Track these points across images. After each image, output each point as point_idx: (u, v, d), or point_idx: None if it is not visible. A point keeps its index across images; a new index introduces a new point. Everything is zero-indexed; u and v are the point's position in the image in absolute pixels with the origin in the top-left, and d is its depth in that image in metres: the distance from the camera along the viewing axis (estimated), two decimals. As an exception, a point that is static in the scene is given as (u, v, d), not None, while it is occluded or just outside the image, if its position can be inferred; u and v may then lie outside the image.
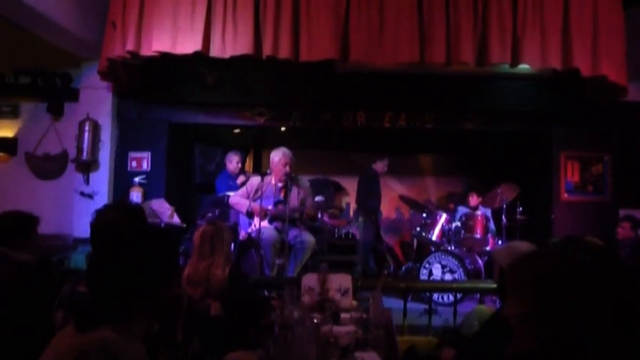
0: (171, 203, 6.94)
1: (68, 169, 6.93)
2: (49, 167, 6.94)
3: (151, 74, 6.74)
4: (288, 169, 5.75)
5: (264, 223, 5.71)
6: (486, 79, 6.86)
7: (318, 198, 8.60)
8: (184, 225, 5.97)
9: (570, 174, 7.00)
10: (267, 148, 9.11)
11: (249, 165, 8.91)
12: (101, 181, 6.80)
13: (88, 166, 6.74)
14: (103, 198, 6.76)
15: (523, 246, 3.20)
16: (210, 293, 3.58)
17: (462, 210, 7.34)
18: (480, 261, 6.68)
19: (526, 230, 6.83)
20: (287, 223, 5.58)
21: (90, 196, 6.71)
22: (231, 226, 6.08)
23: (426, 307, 5.11)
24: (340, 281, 4.19)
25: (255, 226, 5.71)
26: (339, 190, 8.95)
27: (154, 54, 5.70)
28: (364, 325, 3.54)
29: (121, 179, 6.92)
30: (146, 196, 6.87)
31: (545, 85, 6.85)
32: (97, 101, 6.80)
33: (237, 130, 7.59)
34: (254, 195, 5.79)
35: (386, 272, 5.30)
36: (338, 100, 6.98)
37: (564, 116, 6.94)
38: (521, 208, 6.74)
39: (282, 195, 5.78)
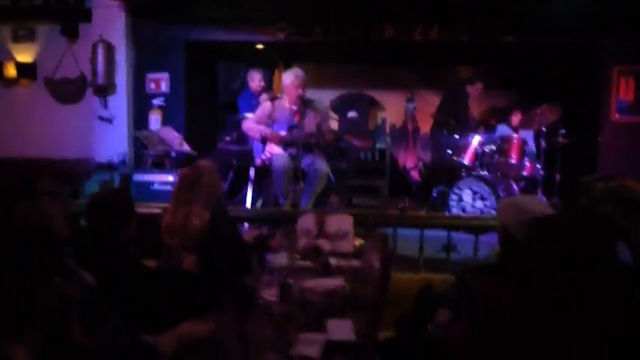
0: (192, 125, 6.77)
1: (87, 93, 6.76)
2: (68, 91, 6.79)
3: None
4: (301, 91, 5.37)
5: (278, 150, 5.42)
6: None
7: (351, 113, 8.29)
8: (195, 153, 5.75)
9: (624, 91, 6.29)
10: (299, 63, 8.68)
11: (277, 82, 8.50)
12: (119, 105, 6.63)
13: (104, 90, 6.56)
14: (122, 122, 6.63)
15: (531, 204, 2.79)
16: (188, 244, 3.37)
17: (501, 129, 6.78)
18: (515, 187, 6.20)
19: (569, 154, 6.26)
20: (301, 149, 5.29)
21: (109, 121, 6.58)
22: (246, 152, 5.82)
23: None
24: (339, 223, 3.91)
25: (268, 152, 5.44)
26: (374, 105, 8.48)
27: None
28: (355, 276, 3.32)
29: (140, 102, 6.73)
30: (166, 119, 6.69)
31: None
32: (110, 21, 6.51)
33: (260, 46, 7.15)
34: (267, 120, 5.48)
35: (400, 206, 4.98)
36: (363, 12, 6.37)
37: (618, 25, 6.12)
38: (564, 130, 6.14)
39: (296, 119, 5.43)
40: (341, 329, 2.59)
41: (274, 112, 5.47)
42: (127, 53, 6.59)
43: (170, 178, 6.12)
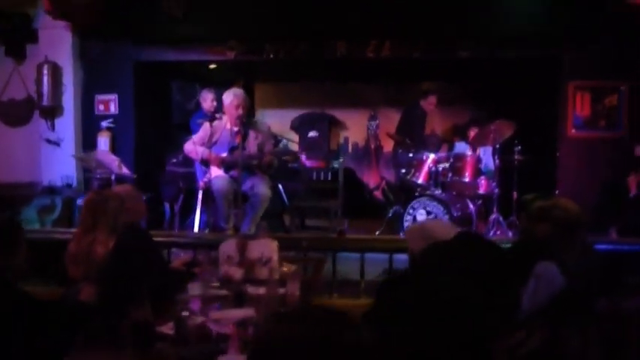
0: (143, 147, 6.62)
1: (35, 115, 6.60)
2: (15, 113, 6.63)
3: (114, 10, 6.19)
4: (240, 111, 5.22)
5: (219, 172, 5.26)
6: (482, -2, 5.98)
7: (311, 133, 8.15)
8: (134, 175, 5.58)
9: (580, 107, 6.15)
10: (261, 81, 8.58)
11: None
12: (67, 127, 6.47)
13: (52, 112, 6.41)
14: (69, 144, 6.46)
15: (436, 229, 2.64)
16: (91, 274, 3.19)
17: (459, 146, 6.64)
18: (471, 206, 6.04)
19: (526, 172, 6.10)
20: (242, 171, 5.12)
21: (56, 143, 6.41)
22: (191, 174, 5.67)
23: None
24: (261, 249, 3.74)
25: (209, 175, 5.28)
26: (335, 124, 8.34)
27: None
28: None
29: (89, 124, 6.57)
30: (115, 141, 6.53)
31: (551, 2, 5.90)
32: (57, 42, 6.38)
33: (212, 66, 7.03)
34: (209, 141, 5.32)
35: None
36: (314, 29, 6.24)
37: (574, 39, 6.01)
38: (519, 147, 5.99)
39: (237, 140, 5.27)
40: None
41: (215, 133, 5.32)
42: (75, 74, 6.45)
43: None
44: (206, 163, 5.29)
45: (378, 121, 8.16)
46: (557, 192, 6.22)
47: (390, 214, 6.40)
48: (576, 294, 3.23)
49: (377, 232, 6.28)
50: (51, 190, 5.95)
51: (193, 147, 5.35)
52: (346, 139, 8.49)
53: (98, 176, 5.89)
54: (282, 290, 3.33)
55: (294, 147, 7.24)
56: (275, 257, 3.70)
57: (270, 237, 4.01)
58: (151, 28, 6.33)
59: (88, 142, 6.51)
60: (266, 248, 3.71)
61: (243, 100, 5.25)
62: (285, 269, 4.03)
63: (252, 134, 5.31)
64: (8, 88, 6.64)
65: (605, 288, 4.19)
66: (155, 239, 4.59)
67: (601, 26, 5.83)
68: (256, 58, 6.47)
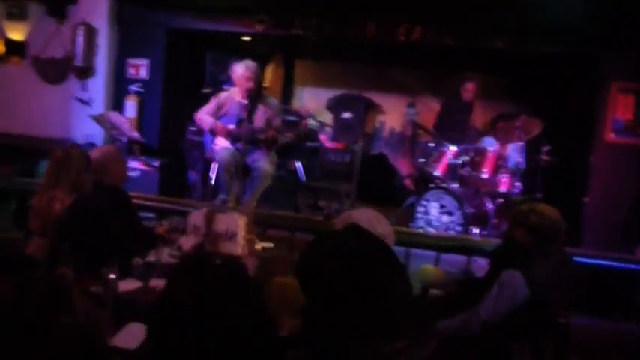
0: (170, 113, 6.69)
1: (70, 74, 6.81)
2: (54, 71, 6.84)
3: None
4: (251, 84, 5.15)
5: (224, 143, 5.23)
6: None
7: (345, 114, 7.98)
8: (144, 140, 5.65)
9: (622, 110, 5.68)
10: (301, 57, 8.48)
11: (273, 76, 8.31)
12: (98, 88, 6.64)
13: (85, 72, 6.59)
14: (99, 105, 6.62)
15: (365, 221, 2.47)
16: (46, 229, 3.24)
17: (486, 141, 6.30)
18: (488, 204, 5.74)
19: (554, 174, 5.73)
20: (245, 144, 5.07)
21: (87, 103, 6.59)
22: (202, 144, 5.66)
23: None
24: (228, 223, 3.68)
25: (215, 146, 5.27)
26: (372, 107, 8.12)
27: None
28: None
29: (119, 86, 6.72)
30: (143, 105, 6.64)
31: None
32: (95, 4, 6.54)
33: (246, 38, 6.98)
34: (218, 111, 5.29)
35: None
36: (344, 7, 6.09)
37: (619, 37, 5.54)
38: (547, 147, 5.61)
39: (245, 113, 5.22)
40: (129, 336, 2.40)
41: (224, 104, 5.28)
42: (110, 37, 6.59)
43: (135, 165, 6.11)
44: (214, 133, 5.26)
45: (416, 109, 7.90)
46: (586, 200, 5.82)
47: (406, 205, 6.20)
48: (538, 308, 3.01)
49: (391, 222, 6.09)
50: (72, 146, 6.11)
51: (204, 116, 5.34)
52: (382, 124, 8.26)
53: (125, 139, 6.01)
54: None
55: (325, 127, 7.14)
56: (240, 232, 3.63)
57: (246, 212, 3.97)
58: (184, -5, 6.38)
59: (117, 104, 6.66)
60: (232, 223, 3.65)
61: (254, 73, 5.17)
62: (257, 247, 3.99)
63: (261, 108, 5.24)
64: (49, 47, 6.86)
65: (580, 304, 3.90)
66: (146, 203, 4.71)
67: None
68: (284, 33, 6.38)
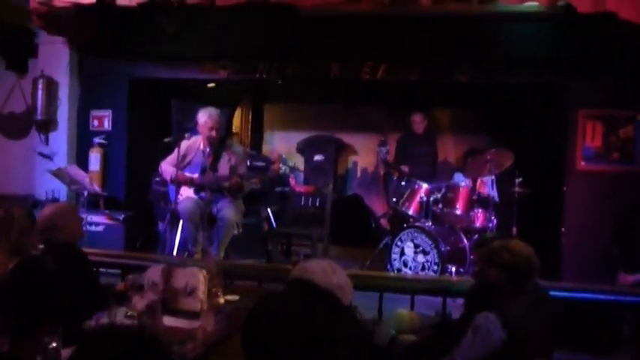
0: (136, 164, 6.53)
1: (33, 128, 6.64)
2: (14, 126, 6.67)
3: (111, 26, 6.20)
4: (214, 133, 5.04)
5: (188, 193, 5.08)
6: (485, 20, 5.58)
7: (317, 157, 7.89)
8: (105, 193, 5.47)
9: (590, 137, 5.64)
10: (270, 100, 8.42)
11: (242, 121, 8.22)
12: (60, 142, 6.47)
13: (46, 126, 6.43)
14: (63, 159, 6.44)
15: (319, 273, 2.30)
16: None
17: (458, 177, 6.21)
18: (464, 241, 5.61)
19: (529, 206, 5.63)
20: (210, 192, 4.94)
21: (49, 157, 6.41)
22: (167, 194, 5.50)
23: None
24: (187, 278, 3.49)
25: (180, 196, 5.10)
26: (342, 147, 8.04)
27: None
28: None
29: (83, 139, 6.56)
30: (107, 157, 6.48)
31: (560, 27, 5.45)
32: (55, 57, 6.42)
33: (211, 85, 6.91)
34: (182, 161, 5.14)
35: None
36: (307, 49, 6.04)
37: (584, 65, 5.54)
38: (519, 179, 5.53)
39: (209, 161, 5.08)
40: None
41: (188, 153, 5.15)
42: (71, 89, 6.46)
43: (99, 219, 5.91)
44: (177, 183, 5.11)
45: (388, 147, 7.82)
46: (562, 229, 5.72)
47: (382, 245, 6.05)
48: (515, 350, 2.85)
49: (367, 263, 5.96)
50: (34, 204, 5.92)
51: (167, 166, 5.19)
52: (355, 164, 8.18)
53: (75, 191, 5.83)
54: (195, 324, 3.10)
55: (297, 171, 7.05)
56: (200, 287, 3.44)
57: (210, 264, 3.79)
58: (145, 45, 6.31)
59: (81, 157, 6.49)
60: (192, 277, 3.46)
61: (217, 121, 5.06)
62: (220, 300, 3.79)
63: (225, 156, 5.11)
64: (9, 102, 6.71)
65: (563, 340, 3.74)
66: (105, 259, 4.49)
67: (615, 52, 5.36)
68: (248, 77, 6.31)
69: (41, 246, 3.58)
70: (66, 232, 3.56)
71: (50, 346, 2.52)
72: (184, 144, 5.19)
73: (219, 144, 5.11)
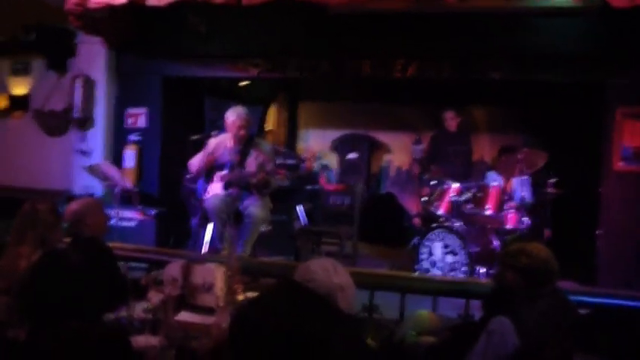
0: (170, 162, 6.64)
1: (71, 125, 6.85)
2: (55, 124, 6.90)
3: (147, 26, 6.35)
4: (242, 132, 5.08)
5: (216, 190, 5.13)
6: (517, 16, 5.47)
7: (350, 155, 7.85)
8: (137, 189, 5.59)
9: (629, 137, 5.43)
10: (305, 98, 8.43)
11: (277, 119, 8.24)
12: (97, 139, 6.65)
13: (84, 123, 6.62)
14: (99, 155, 6.62)
15: (322, 274, 2.29)
16: (14, 288, 3.13)
17: (491, 176, 6.09)
18: (495, 242, 5.50)
19: (563, 207, 5.48)
20: (240, 190, 4.99)
21: (87, 154, 6.60)
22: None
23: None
24: (205, 274, 3.54)
25: (208, 192, 5.18)
26: (376, 146, 7.98)
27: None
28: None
29: (118, 137, 6.71)
30: (142, 154, 6.61)
31: (595, 21, 5.29)
32: (93, 56, 6.61)
33: (243, 83, 6.97)
34: (210, 157, 5.21)
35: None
36: (337, 47, 6.02)
37: (622, 61, 5.35)
38: (554, 179, 5.38)
39: (237, 159, 5.12)
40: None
41: (216, 150, 5.20)
42: (108, 87, 6.62)
43: (132, 214, 6.04)
44: (208, 173, 5.16)
45: (422, 146, 7.73)
46: (598, 232, 5.54)
47: (411, 245, 5.98)
48: (529, 358, 2.76)
49: (396, 263, 5.92)
50: (69, 199, 6.08)
51: (194, 161, 5.27)
52: (389, 163, 8.11)
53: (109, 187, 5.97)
54: (210, 320, 3.15)
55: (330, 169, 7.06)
56: (218, 284, 3.48)
57: (232, 261, 3.82)
58: (178, 44, 6.40)
59: (116, 154, 6.65)
60: (209, 274, 3.51)
61: (245, 120, 5.10)
62: (240, 297, 3.82)
63: (253, 153, 5.14)
64: (50, 100, 6.93)
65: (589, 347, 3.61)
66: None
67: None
68: (279, 75, 6.34)
69: (68, 240, 3.71)
70: (91, 227, 3.66)
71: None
72: (213, 141, 5.25)
73: (247, 142, 5.15)
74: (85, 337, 2.29)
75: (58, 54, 6.76)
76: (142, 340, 2.82)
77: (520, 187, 5.84)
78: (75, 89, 6.44)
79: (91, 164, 5.82)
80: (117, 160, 6.58)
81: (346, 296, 2.20)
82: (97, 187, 6.39)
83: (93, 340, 2.27)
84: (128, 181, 5.49)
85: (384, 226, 7.18)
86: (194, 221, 6.43)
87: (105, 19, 5.88)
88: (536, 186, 5.57)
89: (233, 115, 5.12)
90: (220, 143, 5.23)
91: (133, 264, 4.62)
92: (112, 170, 5.53)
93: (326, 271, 2.24)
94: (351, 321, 2.02)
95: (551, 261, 2.91)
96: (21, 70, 7.08)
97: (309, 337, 1.57)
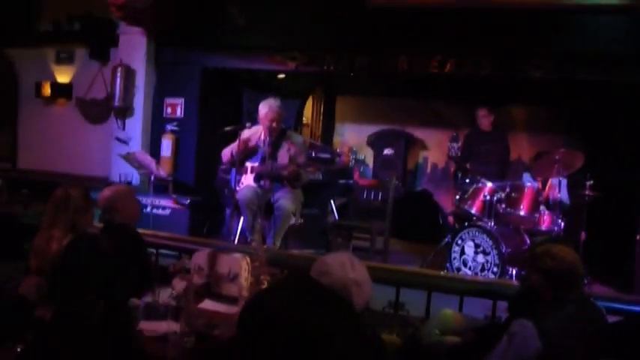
0: (206, 152, 6.72)
1: (112, 114, 7.00)
2: (96, 112, 7.08)
3: (185, 17, 6.44)
4: (275, 125, 5.10)
5: (249, 182, 5.18)
6: (560, 12, 5.33)
7: (386, 151, 7.82)
8: (170, 178, 5.67)
9: (673, 139, 5.26)
10: (342, 93, 8.41)
11: (314, 112, 8.25)
12: (135, 128, 6.77)
13: (123, 112, 6.75)
14: (137, 144, 6.74)
15: (333, 261, 2.29)
16: (45, 269, 3.23)
17: (526, 177, 5.96)
18: (529, 243, 5.39)
19: (601, 210, 5.32)
20: (270, 181, 5.02)
21: (125, 142, 6.73)
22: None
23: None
24: (230, 264, 3.57)
25: (241, 183, 5.23)
26: (414, 142, 7.90)
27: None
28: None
29: (157, 126, 6.83)
30: (178, 144, 6.71)
31: (637, 20, 5.12)
32: (133, 46, 6.72)
33: (281, 76, 6.99)
34: (243, 149, 5.24)
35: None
36: (375, 41, 5.98)
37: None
38: (591, 182, 5.23)
39: (269, 151, 5.15)
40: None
41: (249, 142, 5.24)
42: (147, 77, 6.74)
43: (166, 202, 6.14)
44: (241, 162, 5.19)
45: (459, 144, 7.62)
46: (637, 237, 5.36)
47: (443, 243, 5.92)
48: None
49: (427, 260, 5.86)
50: (107, 185, 6.21)
51: (227, 151, 5.31)
52: (426, 159, 8.03)
53: (142, 175, 6.08)
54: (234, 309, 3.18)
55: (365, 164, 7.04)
56: (243, 274, 3.51)
57: (259, 252, 3.85)
58: (217, 35, 6.48)
59: (154, 143, 6.77)
60: (235, 264, 3.54)
61: (278, 113, 5.11)
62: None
63: (285, 146, 5.15)
64: (92, 89, 7.10)
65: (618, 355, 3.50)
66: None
67: None
68: (317, 69, 6.33)
69: (100, 225, 3.80)
70: (123, 213, 3.72)
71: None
72: (246, 133, 5.27)
73: (279, 134, 5.17)
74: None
75: (101, 44, 6.93)
76: (163, 326, 2.86)
77: (556, 189, 5.72)
78: (116, 78, 6.56)
79: (127, 152, 5.93)
80: (154, 148, 6.70)
81: (362, 291, 2.19)
82: (134, 175, 6.52)
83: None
84: (163, 170, 5.59)
85: (418, 222, 7.11)
86: (228, 211, 6.52)
87: (146, 10, 5.98)
88: (573, 187, 5.44)
89: (265, 108, 5.15)
90: (253, 135, 5.26)
91: (165, 251, 4.70)
92: (146, 159, 5.62)
93: (342, 266, 2.24)
94: (362, 317, 2.00)
95: (578, 265, 2.82)
96: (65, 59, 7.28)
97: (315, 331, 1.56)
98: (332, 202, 6.39)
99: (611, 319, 3.48)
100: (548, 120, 7.39)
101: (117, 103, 6.60)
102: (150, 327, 2.90)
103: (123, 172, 6.60)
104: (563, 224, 5.36)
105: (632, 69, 5.34)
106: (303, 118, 8.13)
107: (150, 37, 6.64)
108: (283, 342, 1.57)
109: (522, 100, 7.29)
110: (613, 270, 5.45)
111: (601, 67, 5.42)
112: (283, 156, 5.14)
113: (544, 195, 5.45)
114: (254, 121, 5.69)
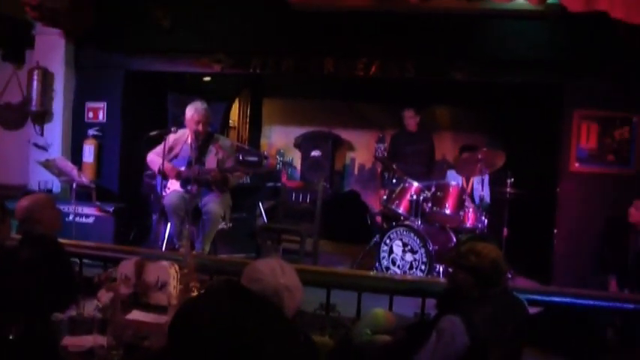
0: (130, 157, 6.53)
1: (28, 119, 6.69)
2: (11, 117, 6.73)
3: (106, 19, 6.24)
4: (201, 128, 5.02)
5: (175, 187, 5.07)
6: (479, 18, 5.54)
7: (314, 152, 7.85)
8: (93, 185, 5.49)
9: (585, 139, 5.56)
10: (269, 95, 8.40)
11: (241, 115, 8.20)
12: (55, 133, 6.50)
13: (41, 117, 6.46)
14: (57, 150, 6.47)
15: (264, 267, 2.27)
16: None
17: (451, 176, 6.15)
18: (455, 240, 5.55)
19: (521, 207, 5.55)
20: (197, 186, 4.93)
21: (44, 148, 6.45)
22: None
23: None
24: (158, 272, 3.48)
25: (167, 189, 5.11)
26: (341, 144, 7.99)
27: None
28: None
29: (78, 131, 6.58)
30: (101, 150, 6.50)
31: (554, 26, 5.39)
32: (51, 48, 6.43)
33: (207, 78, 6.90)
34: (169, 153, 5.13)
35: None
36: (301, 44, 6.02)
37: (580, 65, 5.46)
38: (512, 179, 5.45)
39: (196, 155, 5.06)
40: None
41: (175, 146, 5.13)
42: (66, 80, 6.47)
43: (89, 210, 5.93)
44: (163, 174, 5.09)
45: (385, 144, 7.77)
46: (555, 231, 5.64)
47: (372, 243, 6.01)
48: (478, 357, 2.79)
49: (357, 261, 5.94)
50: (25, 194, 5.93)
51: (154, 157, 5.18)
52: (353, 161, 8.14)
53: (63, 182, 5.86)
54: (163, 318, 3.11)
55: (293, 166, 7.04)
56: (172, 282, 3.44)
57: (187, 258, 3.78)
58: (141, 38, 6.34)
59: (75, 148, 6.52)
60: (163, 272, 3.46)
61: (204, 115, 5.03)
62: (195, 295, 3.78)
63: (212, 150, 5.08)
64: (6, 92, 6.76)
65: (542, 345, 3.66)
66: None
67: (612, 52, 5.27)
68: (242, 72, 6.29)
69: (18, 237, 3.62)
70: (43, 223, 3.57)
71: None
72: (172, 137, 5.15)
73: (206, 138, 5.09)
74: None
75: (15, 45, 6.60)
76: (89, 340, 2.77)
77: (479, 187, 5.93)
78: (32, 82, 6.27)
79: (46, 159, 5.68)
80: (76, 154, 6.45)
81: (293, 297, 2.19)
82: (55, 183, 6.25)
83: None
84: (85, 177, 5.38)
85: (346, 223, 7.19)
86: (154, 218, 6.36)
87: (62, 10, 5.74)
88: (495, 185, 5.65)
89: (192, 110, 5.06)
90: (179, 138, 5.16)
91: (89, 261, 4.54)
92: (67, 165, 5.40)
93: (273, 272, 2.23)
94: (293, 321, 2.00)
95: (501, 261, 2.93)
96: (-25, 62, 6.88)
97: (246, 337, 1.55)
98: (260, 205, 6.36)
99: (533, 310, 3.63)
100: (472, 120, 7.65)
101: (34, 107, 6.31)
102: (75, 342, 2.80)
103: (42, 179, 6.33)
104: (486, 221, 5.57)
105: (548, 72, 5.61)
106: (230, 121, 8.05)
107: (69, 38, 6.38)
108: (215, 350, 1.55)
109: (446, 101, 7.52)
110: (533, 263, 5.69)
111: (519, 70, 5.67)
112: (211, 160, 5.07)
113: (467, 193, 5.64)
114: (180, 125, 5.59)
